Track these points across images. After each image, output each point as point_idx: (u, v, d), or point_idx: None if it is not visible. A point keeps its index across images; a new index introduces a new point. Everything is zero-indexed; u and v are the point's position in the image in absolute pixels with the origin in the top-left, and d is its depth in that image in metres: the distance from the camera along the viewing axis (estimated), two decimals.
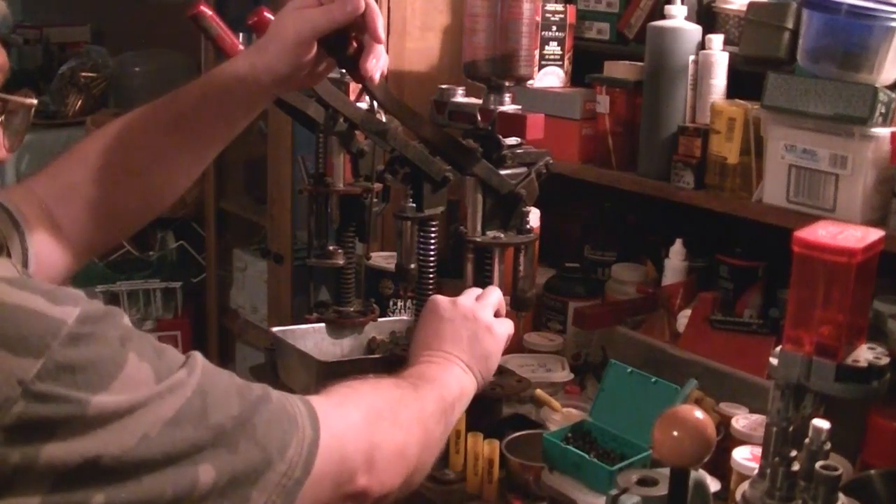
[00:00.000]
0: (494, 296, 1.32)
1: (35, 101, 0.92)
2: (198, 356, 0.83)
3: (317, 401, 0.92)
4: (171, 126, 1.15)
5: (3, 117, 0.91)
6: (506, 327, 1.30)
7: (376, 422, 0.97)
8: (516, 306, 1.53)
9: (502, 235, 1.47)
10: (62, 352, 0.72)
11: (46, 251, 1.09)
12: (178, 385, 0.78)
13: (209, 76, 1.16)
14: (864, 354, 1.05)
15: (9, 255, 1.02)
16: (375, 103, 1.52)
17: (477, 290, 1.32)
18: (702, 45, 1.76)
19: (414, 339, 1.26)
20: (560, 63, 2.00)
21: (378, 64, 1.15)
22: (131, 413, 0.74)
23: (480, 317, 1.26)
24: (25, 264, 1.06)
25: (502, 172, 1.44)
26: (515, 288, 1.51)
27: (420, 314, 1.32)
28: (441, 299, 1.28)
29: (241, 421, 0.82)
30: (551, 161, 1.48)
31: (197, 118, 1.15)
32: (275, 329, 1.76)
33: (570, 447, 1.34)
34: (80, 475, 0.72)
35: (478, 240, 1.46)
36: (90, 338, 0.74)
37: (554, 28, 1.98)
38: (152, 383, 0.77)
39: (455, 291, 1.34)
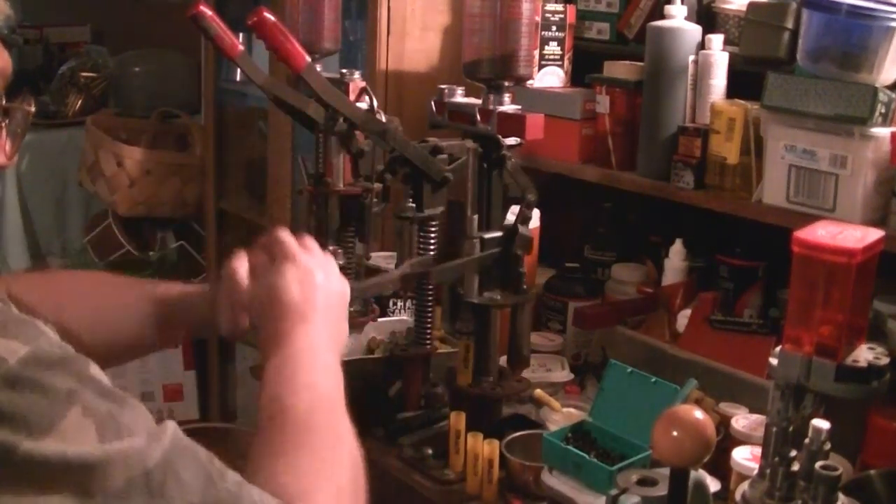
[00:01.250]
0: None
1: (33, 109, 0.92)
2: (170, 425, 0.75)
3: None
4: (109, 312, 1.11)
5: (6, 122, 0.91)
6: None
7: None
8: (514, 363, 1.53)
9: (498, 297, 1.47)
10: None
11: None
12: (133, 452, 0.70)
13: (164, 299, 1.12)
14: (864, 354, 1.05)
15: None
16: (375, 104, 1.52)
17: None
18: (702, 45, 1.76)
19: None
20: (560, 63, 2.00)
21: None
22: (66, 471, 0.67)
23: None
24: None
25: (490, 236, 1.46)
26: (513, 345, 1.52)
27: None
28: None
29: None
30: (533, 199, 1.48)
31: (131, 325, 1.12)
32: None
33: (570, 447, 1.34)
34: None
35: (475, 301, 1.47)
36: (30, 383, 0.68)
37: (554, 28, 1.98)
38: (94, 441, 0.69)
39: None
